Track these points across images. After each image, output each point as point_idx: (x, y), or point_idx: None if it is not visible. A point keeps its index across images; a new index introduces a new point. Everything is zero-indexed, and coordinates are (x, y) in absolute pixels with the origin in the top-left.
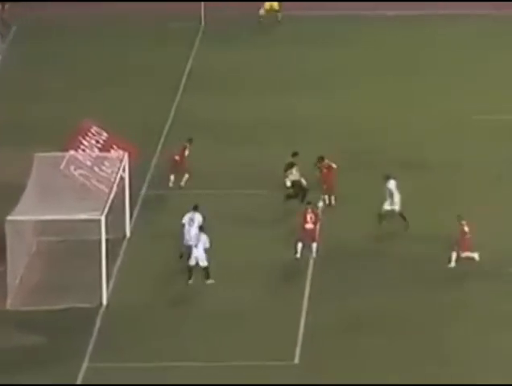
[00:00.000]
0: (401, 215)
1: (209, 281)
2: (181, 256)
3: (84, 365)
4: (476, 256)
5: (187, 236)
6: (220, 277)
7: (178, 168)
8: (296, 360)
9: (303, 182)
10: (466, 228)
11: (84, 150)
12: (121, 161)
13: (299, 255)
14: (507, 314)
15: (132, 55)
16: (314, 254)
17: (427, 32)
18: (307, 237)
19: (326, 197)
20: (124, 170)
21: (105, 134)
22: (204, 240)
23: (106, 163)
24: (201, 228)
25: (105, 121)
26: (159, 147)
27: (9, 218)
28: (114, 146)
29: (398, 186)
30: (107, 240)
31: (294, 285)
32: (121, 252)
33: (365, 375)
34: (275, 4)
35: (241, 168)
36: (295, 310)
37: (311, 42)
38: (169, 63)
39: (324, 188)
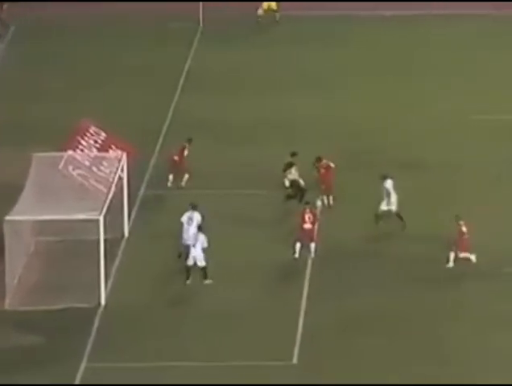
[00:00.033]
0: (398, 215)
1: (207, 281)
2: (179, 256)
3: (83, 365)
4: (473, 257)
5: (185, 236)
6: (219, 276)
7: (177, 168)
8: (295, 360)
9: (301, 182)
10: (464, 228)
11: (82, 150)
12: (119, 161)
13: (297, 255)
14: (505, 314)
15: (130, 56)
16: (312, 254)
17: (426, 32)
18: (306, 237)
19: (324, 198)
20: (122, 170)
21: (103, 134)
22: (202, 240)
23: (105, 163)
24: (200, 228)
25: (104, 120)
26: (158, 147)
27: (7, 218)
28: (113, 146)
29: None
30: (105, 240)
31: (292, 285)
32: (120, 252)
33: (364, 375)
34: (273, 4)
35: (240, 168)
36: (294, 309)
37: (309, 42)
38: (167, 64)
39: (322, 188)
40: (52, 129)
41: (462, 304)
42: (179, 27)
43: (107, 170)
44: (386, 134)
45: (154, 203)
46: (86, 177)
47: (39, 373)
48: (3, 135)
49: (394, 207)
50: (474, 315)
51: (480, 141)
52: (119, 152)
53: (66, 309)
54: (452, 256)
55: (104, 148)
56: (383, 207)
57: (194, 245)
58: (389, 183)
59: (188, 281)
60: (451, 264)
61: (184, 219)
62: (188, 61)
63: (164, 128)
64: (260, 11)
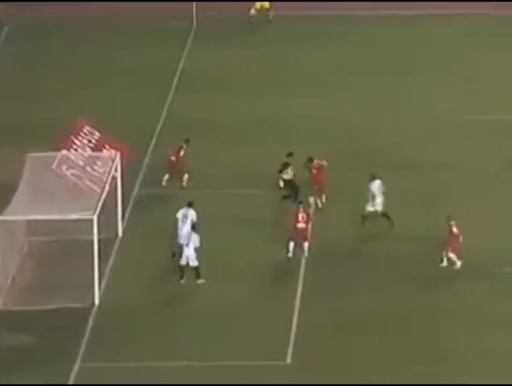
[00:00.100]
0: (385, 215)
1: (200, 281)
2: (173, 255)
3: (77, 365)
4: (458, 263)
5: (179, 233)
6: (213, 276)
7: (174, 168)
8: (288, 360)
9: (295, 182)
10: (455, 229)
11: (76, 150)
12: (113, 160)
13: (291, 254)
14: (500, 314)
15: (124, 56)
16: (306, 253)
17: (424, 32)
18: (299, 236)
19: (317, 199)
20: (116, 170)
21: (97, 134)
22: (195, 240)
23: (98, 163)
24: (193, 227)
25: (97, 120)
26: (151, 147)
27: (0, 218)
28: (106, 146)
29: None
30: (99, 240)
31: (286, 284)
32: (114, 252)
33: (358, 375)
34: (266, 3)
35: (236, 168)
36: (288, 309)
37: (304, 41)
38: (161, 63)
39: (314, 189)
40: (50, 129)
41: (459, 304)
42: (172, 27)
43: (101, 170)
44: (384, 134)
45: (147, 203)
46: (80, 177)
47: (32, 373)
48: (2, 135)
49: (379, 208)
50: (471, 315)
51: (479, 141)
52: (113, 151)
53: (60, 309)
54: (444, 255)
55: (98, 147)
56: (369, 208)
57: (187, 245)
58: (376, 184)
59: (182, 281)
60: (445, 263)
61: (179, 215)
62: (182, 61)
63: (158, 128)
64: (252, 11)
